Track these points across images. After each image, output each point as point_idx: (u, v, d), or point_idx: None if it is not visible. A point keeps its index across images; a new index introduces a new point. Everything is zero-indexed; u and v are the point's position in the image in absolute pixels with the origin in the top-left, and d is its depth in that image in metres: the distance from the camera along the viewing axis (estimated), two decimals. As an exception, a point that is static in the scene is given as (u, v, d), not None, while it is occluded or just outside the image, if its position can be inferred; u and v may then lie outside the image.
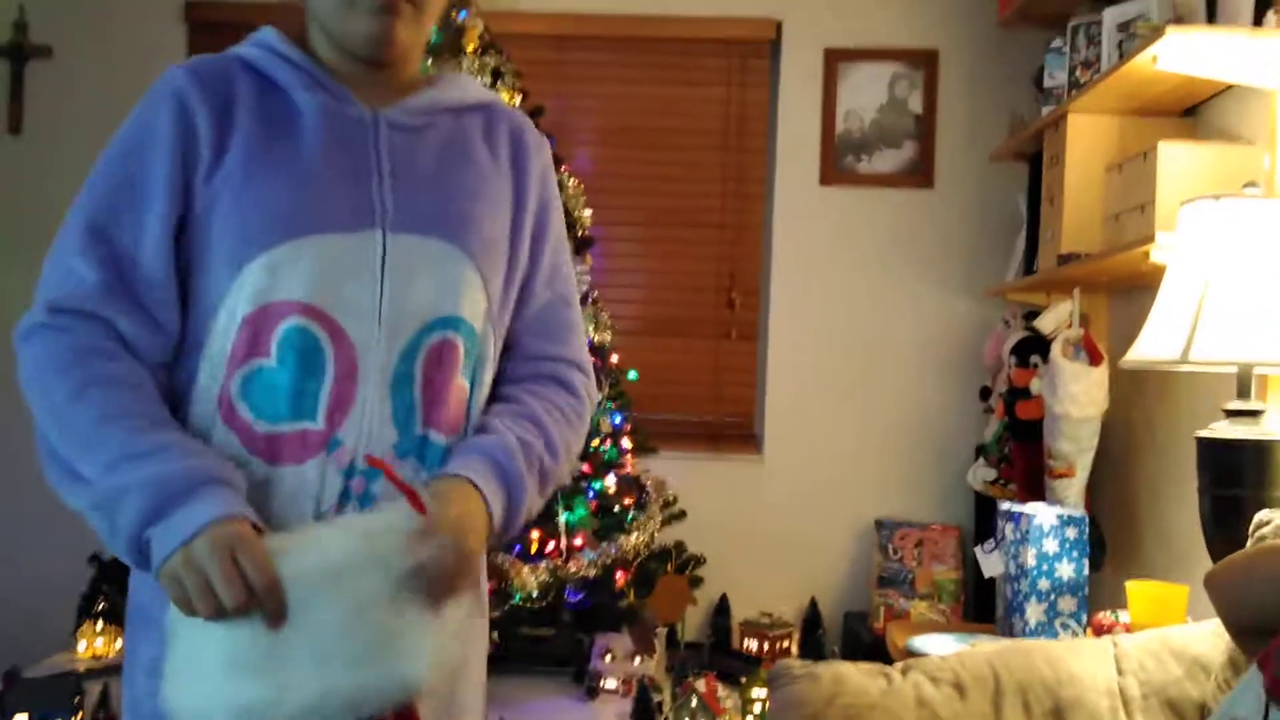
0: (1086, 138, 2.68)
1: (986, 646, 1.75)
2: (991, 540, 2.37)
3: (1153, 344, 1.93)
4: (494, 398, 1.28)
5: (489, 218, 1.24)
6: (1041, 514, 2.18)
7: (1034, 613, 2.14)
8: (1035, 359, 3.00)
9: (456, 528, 1.11)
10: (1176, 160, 2.25)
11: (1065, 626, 2.11)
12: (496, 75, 2.87)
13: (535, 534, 2.64)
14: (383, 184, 1.19)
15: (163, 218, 1.14)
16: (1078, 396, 2.71)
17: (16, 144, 3.73)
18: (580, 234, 2.98)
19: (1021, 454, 3.04)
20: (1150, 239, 2.21)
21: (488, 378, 1.26)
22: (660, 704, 2.85)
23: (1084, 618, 2.14)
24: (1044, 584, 2.14)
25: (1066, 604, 2.15)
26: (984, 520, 3.30)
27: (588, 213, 3.00)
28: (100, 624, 3.10)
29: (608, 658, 3.07)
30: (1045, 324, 2.91)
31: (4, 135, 3.72)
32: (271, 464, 1.14)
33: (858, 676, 1.69)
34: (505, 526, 1.20)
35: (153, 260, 1.14)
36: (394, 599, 1.05)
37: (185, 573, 1.01)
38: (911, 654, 2.09)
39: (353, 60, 1.23)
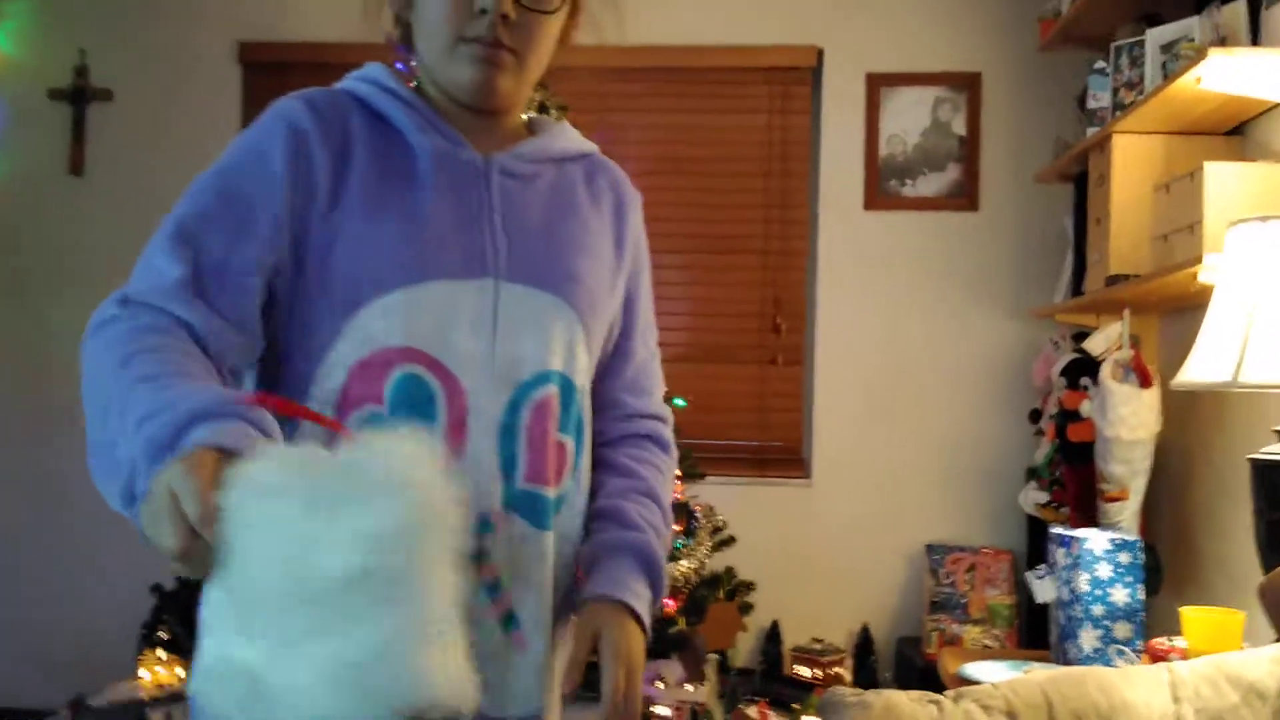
0: (1132, 158, 2.67)
1: (1039, 674, 1.74)
2: (1043, 565, 2.35)
3: (1202, 366, 1.92)
4: (598, 459, 1.28)
5: (594, 273, 1.23)
6: (1094, 539, 2.17)
7: (1088, 639, 2.12)
8: (1085, 381, 2.97)
9: (631, 666, 1.13)
10: (1223, 180, 2.24)
11: (1120, 653, 2.09)
12: (542, 109, 2.91)
13: (585, 562, 2.65)
14: (495, 232, 1.17)
15: (263, 242, 1.10)
16: (1128, 419, 2.69)
17: (78, 185, 3.84)
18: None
19: (1073, 477, 3.01)
20: (1198, 260, 2.20)
21: (589, 435, 1.25)
22: (713, 731, 2.86)
23: (1139, 644, 2.12)
24: (1098, 610, 2.12)
25: (1121, 630, 2.12)
26: (1037, 544, 3.27)
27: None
28: (163, 653, 3.15)
29: (659, 685, 3.08)
30: (1095, 345, 2.90)
31: (67, 177, 3.83)
32: None
33: (909, 705, 1.69)
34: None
35: (242, 276, 1.08)
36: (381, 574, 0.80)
37: (144, 514, 0.85)
38: (964, 681, 2.08)
39: (459, 105, 1.21)
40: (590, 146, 1.33)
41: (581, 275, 1.21)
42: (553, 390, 1.17)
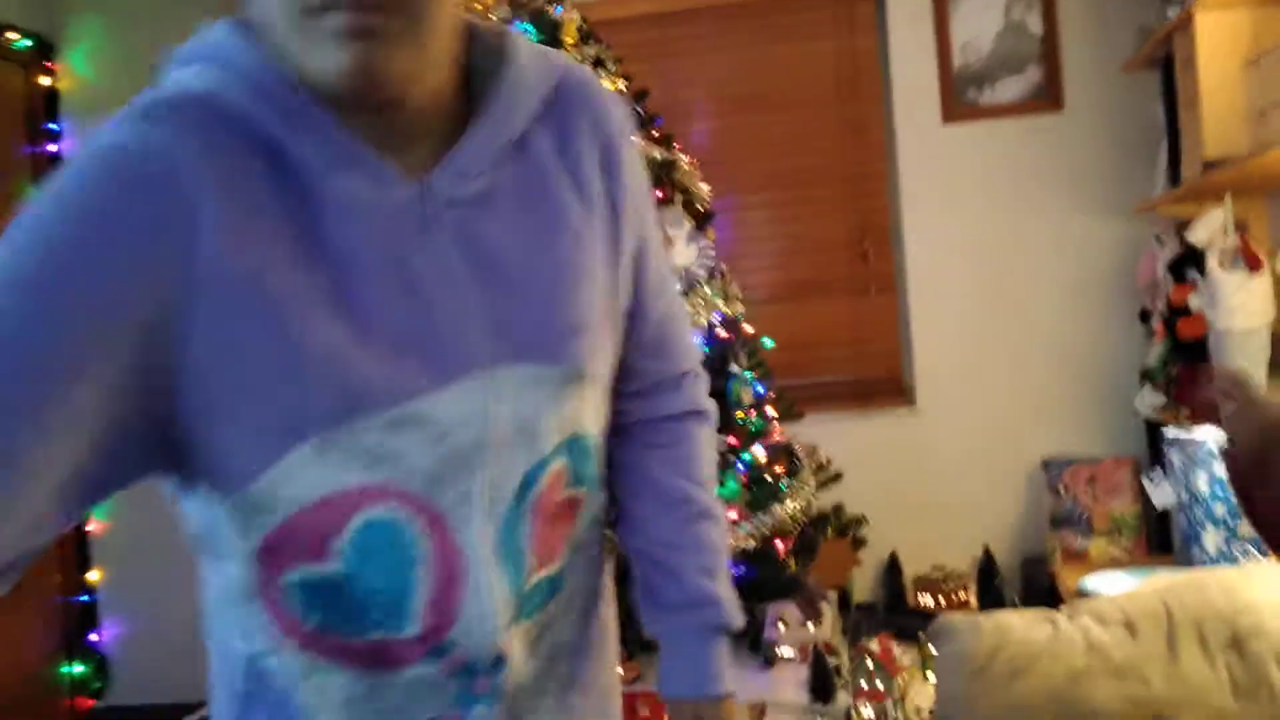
0: (1217, 35, 2.53)
1: (1158, 582, 1.68)
2: (1158, 469, 2.26)
3: (1309, 244, 1.81)
4: (630, 462, 1.09)
5: (595, 297, 0.94)
6: (1209, 436, 2.07)
7: (1212, 541, 2.04)
8: (1192, 274, 2.85)
9: None
10: (1318, 44, 2.10)
11: (1246, 552, 2.01)
12: (598, 64, 2.87)
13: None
14: (463, 303, 0.85)
15: (105, 386, 0.74)
16: (1240, 308, 2.57)
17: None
18: (701, 209, 2.96)
19: (1190, 375, 2.90)
20: (1297, 132, 2.07)
21: (601, 466, 1.03)
22: (838, 668, 2.84)
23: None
24: (1219, 509, 2.04)
25: (1246, 529, 2.03)
26: (1157, 449, 3.15)
27: (705, 188, 2.98)
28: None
29: (781, 626, 3.07)
30: (1198, 235, 2.76)
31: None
32: (336, 664, 0.89)
33: (1022, 625, 1.65)
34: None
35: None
36: None
37: None
38: (1083, 595, 2.02)
39: (353, 108, 0.82)
40: (552, 68, 0.95)
41: (585, 317, 0.92)
42: (560, 464, 0.93)
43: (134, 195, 0.76)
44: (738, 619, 1.07)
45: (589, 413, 0.95)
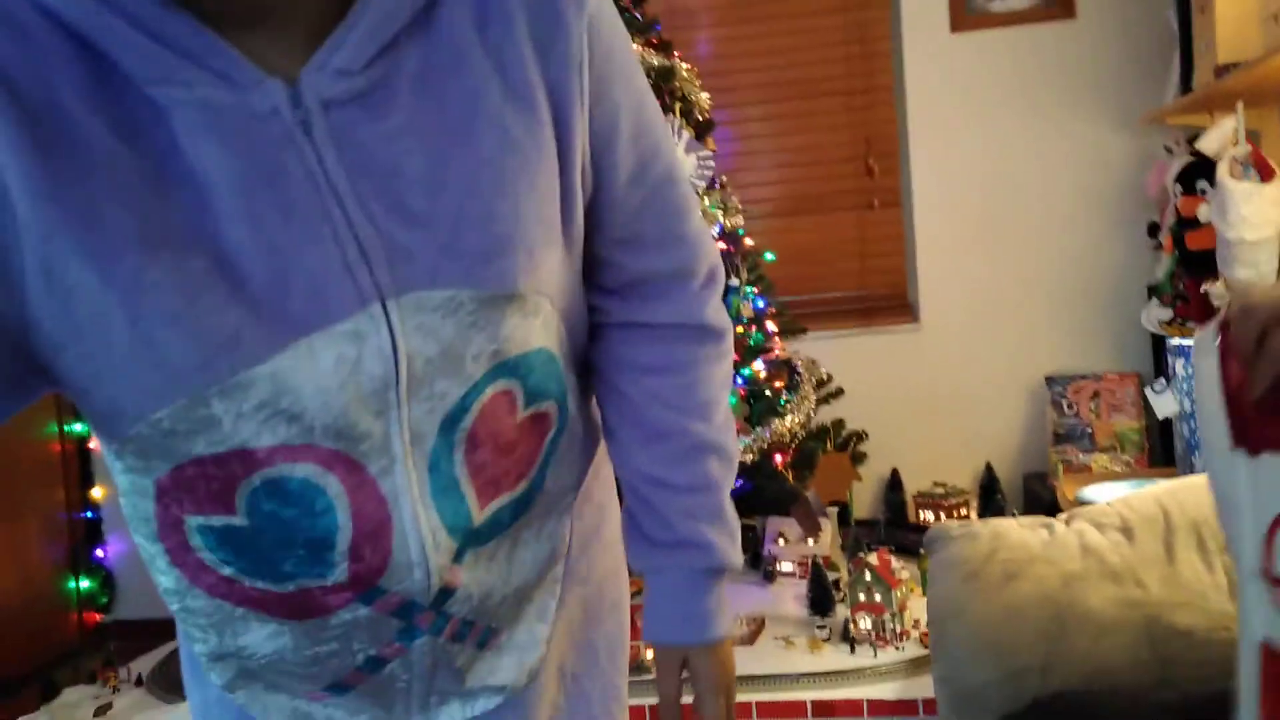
0: (1234, -67, 2.44)
1: (1157, 487, 1.65)
2: (1162, 379, 2.23)
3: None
4: (610, 384, 0.97)
5: (532, 203, 0.79)
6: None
7: (1214, 450, 2.02)
8: (1202, 184, 2.79)
9: (729, 693, 0.99)
10: (1338, -61, 2.02)
11: (1249, 461, 1.98)
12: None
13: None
14: (352, 228, 0.72)
15: None
16: (1251, 218, 2.51)
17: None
18: (701, 118, 2.90)
19: (1197, 289, 2.85)
20: (1314, 31, 2.01)
21: (576, 378, 0.93)
22: (837, 582, 2.84)
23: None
24: (1222, 418, 2.01)
25: (1249, 437, 2.01)
26: (1164, 364, 3.12)
27: (705, 96, 2.91)
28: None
29: (780, 541, 3.07)
30: (1209, 144, 2.70)
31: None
32: (259, 613, 0.82)
33: (1018, 531, 1.63)
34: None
35: None
36: None
37: None
38: (1081, 505, 2.00)
39: None
40: None
41: (513, 229, 0.77)
42: (502, 386, 0.82)
43: None
44: (733, 559, 0.97)
45: (537, 330, 0.83)
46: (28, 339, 0.69)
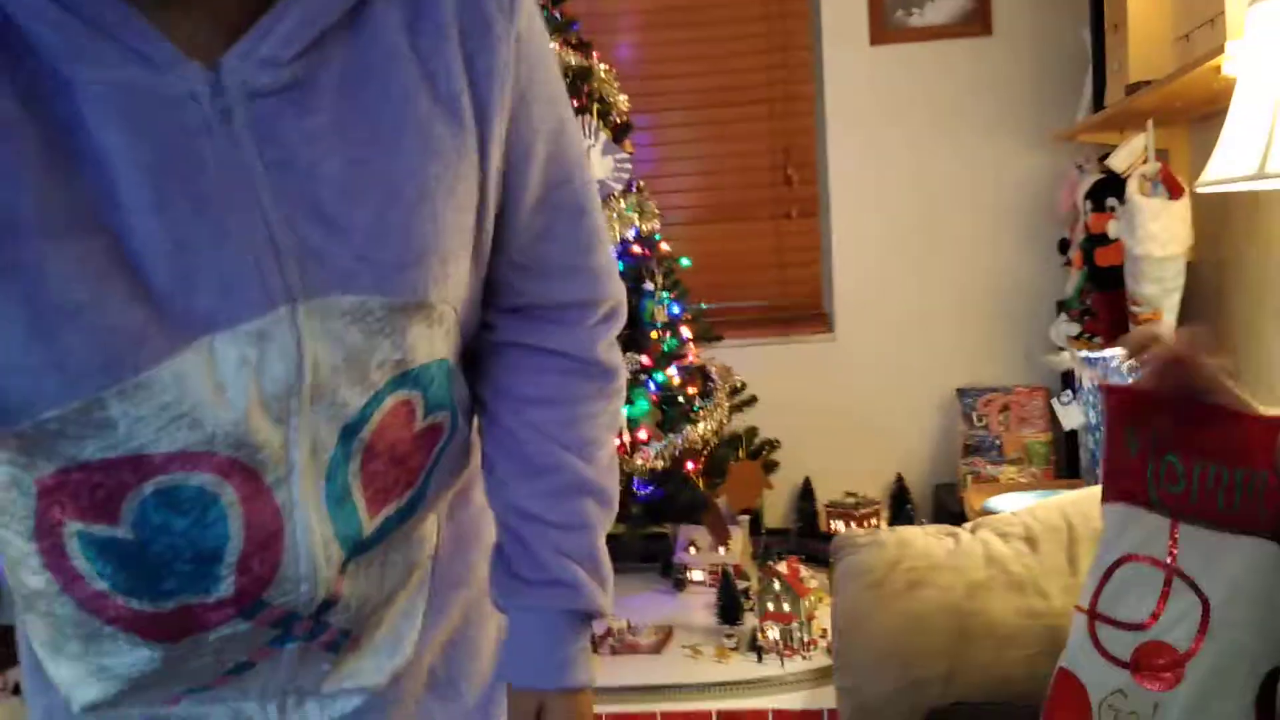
0: (1147, -47, 2.48)
1: (1061, 498, 1.65)
2: (1069, 391, 2.24)
3: (1226, 163, 1.77)
4: (491, 414, 0.93)
5: (449, 212, 0.77)
6: (1120, 356, 2.06)
7: (1117, 462, 2.03)
8: (1112, 201, 2.82)
9: None
10: (1245, -37, 2.05)
11: (1152, 473, 2.00)
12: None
13: (598, 430, 2.59)
14: (264, 226, 0.69)
15: None
16: (1159, 234, 2.54)
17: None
18: (619, 121, 2.87)
19: (1105, 304, 2.88)
20: (1220, 51, 2.03)
21: (463, 388, 0.89)
22: (747, 590, 2.82)
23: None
24: (1126, 431, 2.02)
25: (1152, 450, 2.03)
26: (1071, 378, 3.16)
27: (623, 98, 2.88)
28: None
29: (691, 549, 3.04)
30: (1119, 161, 2.73)
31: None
32: (131, 635, 0.77)
33: (923, 539, 1.62)
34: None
35: None
36: None
37: None
38: (987, 514, 2.00)
39: None
40: None
41: (427, 239, 0.75)
42: (403, 396, 0.80)
43: None
44: (604, 605, 0.92)
45: (439, 340, 0.81)
46: None
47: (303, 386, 0.72)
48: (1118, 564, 1.13)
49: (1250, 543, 1.05)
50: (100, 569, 0.73)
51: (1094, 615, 1.13)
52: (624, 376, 0.97)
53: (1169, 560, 1.09)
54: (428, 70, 0.74)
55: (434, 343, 0.80)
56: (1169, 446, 1.10)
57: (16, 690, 2.87)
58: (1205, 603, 1.06)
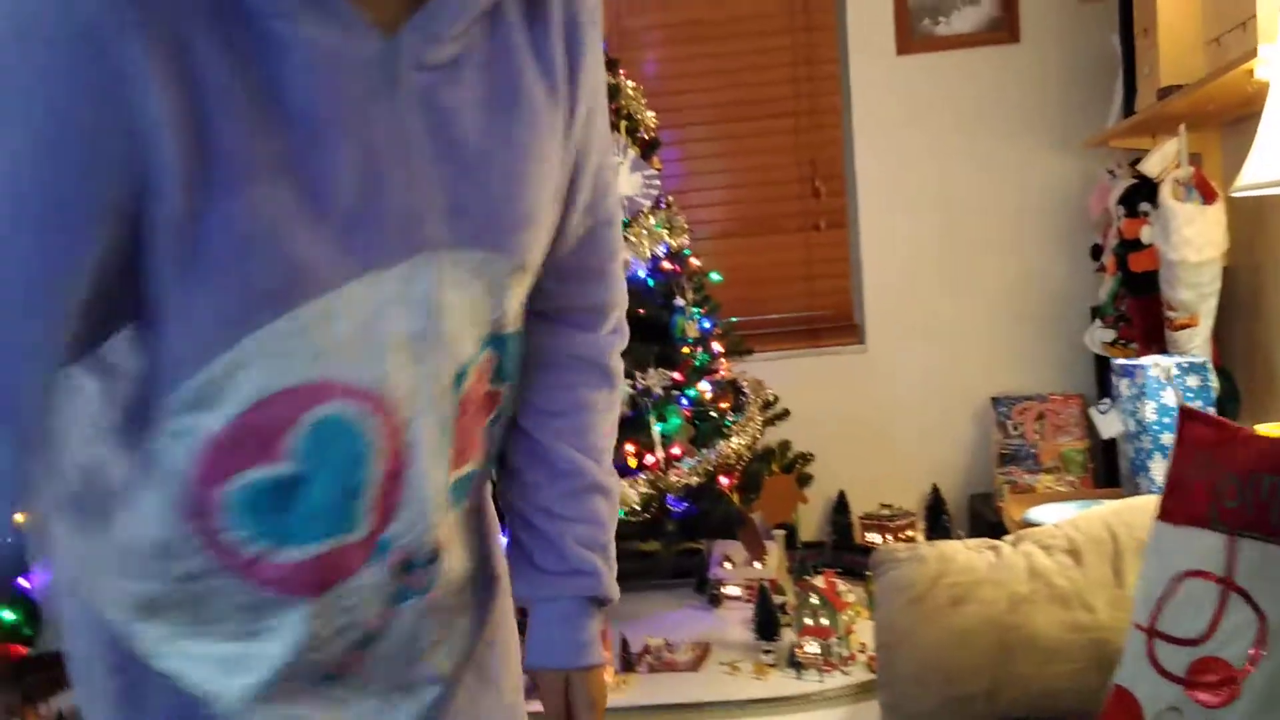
0: (1175, -43, 2.46)
1: (1103, 508, 1.63)
2: (1106, 399, 2.22)
3: (1262, 167, 1.76)
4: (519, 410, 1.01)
5: (546, 194, 0.87)
6: (1158, 365, 2.04)
7: (1159, 469, 2.00)
8: (1145, 206, 2.80)
9: (602, 708, 1.03)
10: (1277, -36, 2.03)
11: (1194, 481, 1.97)
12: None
13: (631, 448, 2.59)
14: (421, 179, 0.77)
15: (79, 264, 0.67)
16: (1193, 239, 2.52)
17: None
18: (647, 137, 2.87)
19: (1139, 310, 2.86)
20: (1253, 54, 2.01)
21: (518, 363, 0.96)
22: (784, 605, 2.80)
23: (1216, 471, 2.00)
24: (1167, 439, 2.00)
25: (1194, 458, 2.00)
26: (1107, 385, 3.13)
27: (650, 115, 2.88)
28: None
29: (726, 565, 3.03)
30: (1151, 166, 2.71)
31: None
32: (286, 596, 0.82)
33: (965, 553, 1.60)
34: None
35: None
36: None
37: None
38: (1028, 526, 1.98)
39: None
40: None
41: (535, 207, 0.85)
42: (486, 356, 0.88)
43: (74, 68, 0.62)
44: (615, 592, 1.01)
45: (517, 308, 0.89)
46: (140, 261, 0.69)
47: (434, 330, 0.80)
48: (1175, 581, 1.12)
49: None
50: (258, 527, 0.79)
51: (1153, 633, 1.12)
52: (621, 388, 1.07)
53: (1226, 575, 1.08)
54: (542, 63, 0.84)
55: (515, 309, 0.88)
56: (1232, 466, 1.09)
57: (60, 718, 2.89)
58: (1262, 617, 1.04)
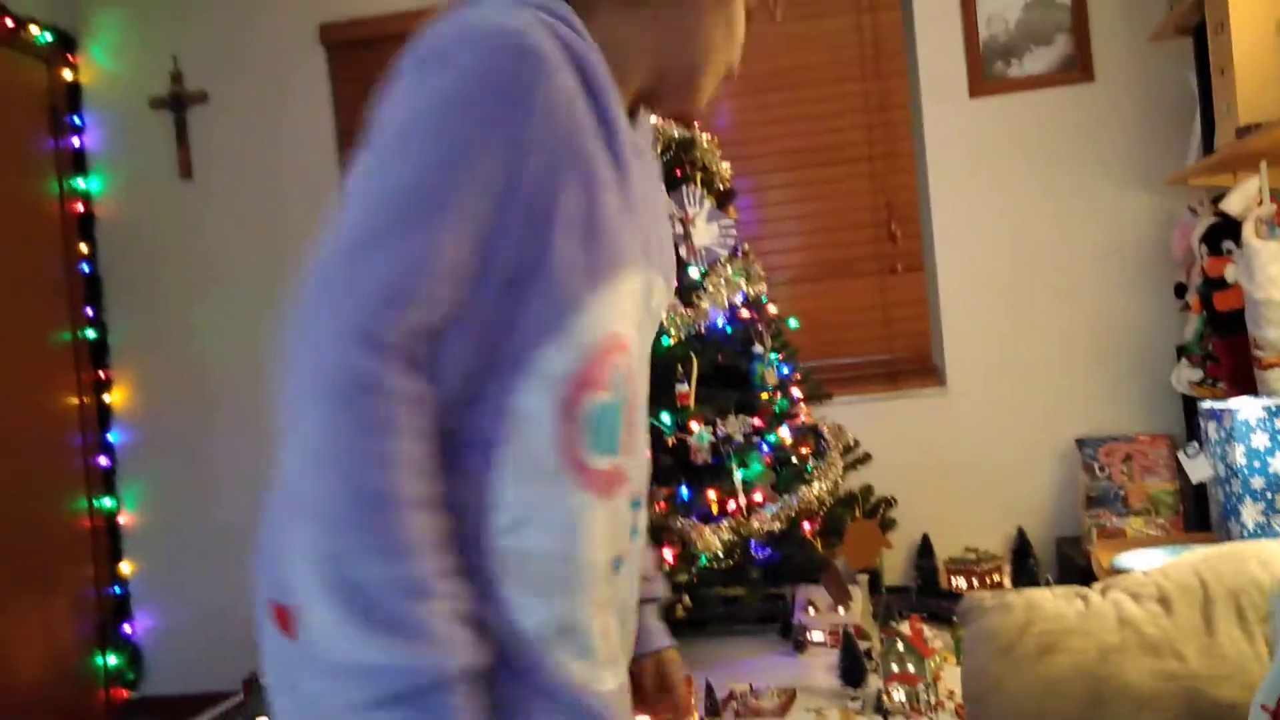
0: (1250, -2, 2.46)
1: (1193, 555, 1.62)
2: (1195, 443, 2.20)
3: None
4: None
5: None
6: (1246, 407, 2.01)
7: (1250, 514, 1.98)
8: (1228, 245, 2.77)
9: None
10: (1355, 0, 2.03)
11: (1287, 525, 1.95)
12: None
13: (713, 494, 2.62)
14: (643, 219, 1.06)
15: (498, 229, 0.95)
16: (1277, 277, 2.49)
17: (189, 187, 3.95)
18: (722, 188, 2.92)
19: (1226, 349, 2.82)
20: (1334, 92, 2.01)
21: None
22: (869, 651, 2.79)
23: (1310, 514, 1.97)
24: (1257, 482, 1.97)
25: (1286, 501, 1.97)
26: (1195, 425, 3.08)
27: (725, 165, 2.94)
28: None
29: (810, 610, 3.03)
30: (1233, 205, 2.69)
31: (178, 180, 3.94)
32: (600, 497, 1.00)
33: (1053, 602, 1.60)
34: None
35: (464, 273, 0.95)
36: None
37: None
38: (1118, 572, 1.96)
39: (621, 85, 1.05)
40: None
41: (667, 249, 1.16)
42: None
43: (556, 96, 0.93)
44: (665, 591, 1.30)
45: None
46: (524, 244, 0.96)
47: (650, 315, 1.09)
48: None
49: None
50: (602, 442, 0.99)
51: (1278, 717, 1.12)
52: None
53: None
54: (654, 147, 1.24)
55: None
56: None
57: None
58: None
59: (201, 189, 3.93)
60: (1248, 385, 2.64)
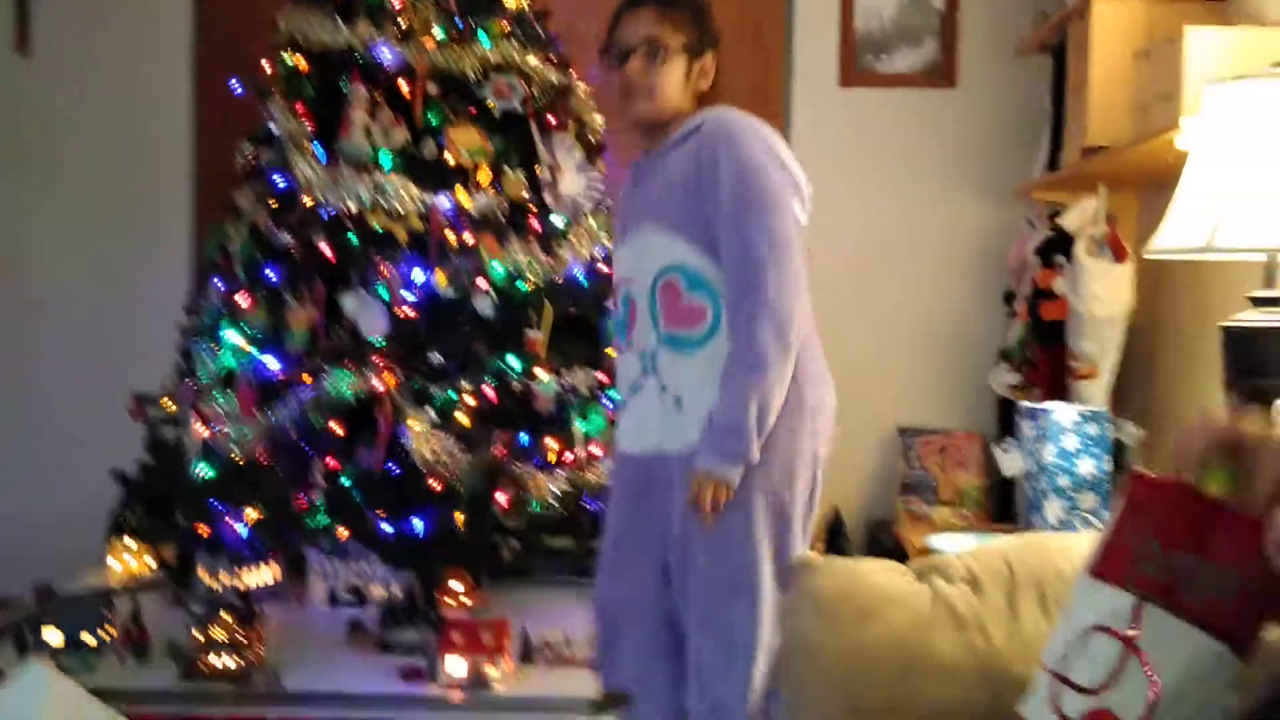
0: (1112, 25, 2.59)
1: (1002, 542, 1.73)
2: (1011, 439, 2.34)
3: (1176, 233, 1.87)
4: None
5: (681, 206, 2.05)
6: (1061, 411, 2.15)
7: (1053, 510, 2.12)
8: (1060, 259, 2.94)
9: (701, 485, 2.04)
10: (1205, 45, 2.16)
11: (1086, 523, 2.09)
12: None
13: (553, 444, 2.63)
14: (636, 199, 2.17)
15: None
16: (1101, 295, 2.66)
17: (25, 64, 3.68)
18: (593, 140, 2.92)
19: (1045, 356, 2.99)
20: (1175, 126, 2.14)
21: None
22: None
23: (1105, 514, 2.12)
24: (1064, 481, 2.12)
25: (1087, 500, 2.12)
26: (1007, 426, 3.26)
27: (599, 118, 2.94)
28: (131, 541, 3.13)
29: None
30: (1070, 222, 2.85)
31: (13, 55, 3.67)
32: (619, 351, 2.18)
33: (875, 572, 1.68)
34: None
35: None
36: None
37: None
38: (929, 551, 2.07)
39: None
40: (698, 122, 2.11)
41: (671, 207, 2.06)
42: (674, 276, 2.04)
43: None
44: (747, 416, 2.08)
45: (677, 254, 2.07)
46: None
47: (639, 259, 2.14)
48: (1086, 632, 1.20)
49: (1204, 639, 1.12)
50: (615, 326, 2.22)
51: (1057, 677, 1.20)
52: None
53: (1130, 635, 1.15)
54: (688, 161, 2.11)
55: (680, 257, 2.09)
56: (1159, 534, 1.16)
57: None
58: (1154, 686, 1.12)
59: (40, 66, 3.68)
60: (1061, 393, 2.82)
